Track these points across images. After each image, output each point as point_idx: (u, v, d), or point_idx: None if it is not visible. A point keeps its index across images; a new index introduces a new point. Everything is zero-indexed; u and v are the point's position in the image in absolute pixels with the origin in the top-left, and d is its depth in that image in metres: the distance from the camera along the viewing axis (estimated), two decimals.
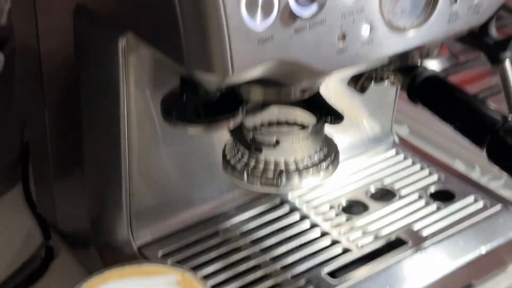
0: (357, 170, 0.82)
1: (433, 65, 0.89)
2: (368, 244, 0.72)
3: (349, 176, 0.81)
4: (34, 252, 0.79)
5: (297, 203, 0.77)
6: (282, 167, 0.63)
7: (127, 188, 0.68)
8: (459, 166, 0.88)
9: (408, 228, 0.74)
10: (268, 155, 0.63)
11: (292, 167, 0.63)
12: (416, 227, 0.74)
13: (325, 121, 0.65)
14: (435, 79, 0.64)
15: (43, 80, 0.72)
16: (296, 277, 0.69)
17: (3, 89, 0.84)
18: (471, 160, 0.90)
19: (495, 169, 0.89)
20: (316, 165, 0.64)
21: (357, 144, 0.84)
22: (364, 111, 0.83)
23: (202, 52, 0.49)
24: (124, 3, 0.54)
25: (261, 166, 0.63)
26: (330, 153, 0.65)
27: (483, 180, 0.83)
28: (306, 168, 0.63)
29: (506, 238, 0.74)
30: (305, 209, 0.76)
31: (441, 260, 0.71)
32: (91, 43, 0.63)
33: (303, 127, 0.66)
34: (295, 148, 0.63)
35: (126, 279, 0.57)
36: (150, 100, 0.65)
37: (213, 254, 0.70)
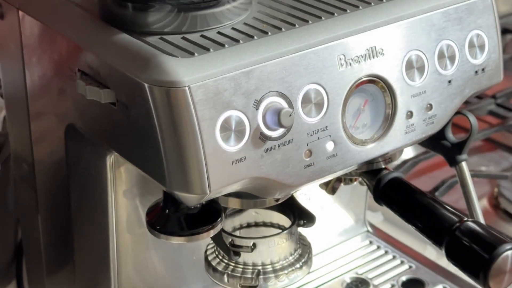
0: (333, 261, 0.87)
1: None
2: None
3: (325, 267, 0.86)
4: None
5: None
6: (260, 268, 0.68)
7: (115, 270, 0.72)
8: (430, 253, 0.93)
9: None
10: (247, 257, 0.68)
11: (269, 268, 0.68)
12: None
13: (298, 225, 0.70)
14: (397, 182, 0.70)
15: (36, 185, 0.77)
16: None
17: None
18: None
19: None
20: (291, 265, 0.69)
21: (332, 235, 0.89)
22: (338, 203, 0.88)
23: (182, 175, 0.55)
24: (110, 129, 0.60)
25: (240, 268, 0.68)
26: (304, 253, 0.70)
27: (453, 268, 0.89)
28: (282, 269, 0.68)
29: None
30: None
31: None
32: (80, 158, 0.68)
33: (279, 228, 0.72)
34: (271, 251, 0.68)
35: None
36: (140, 206, 0.71)
37: None
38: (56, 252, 0.80)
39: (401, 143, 0.66)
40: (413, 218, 0.68)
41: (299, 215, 0.71)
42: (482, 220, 0.72)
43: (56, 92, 0.67)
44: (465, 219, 0.65)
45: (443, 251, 0.65)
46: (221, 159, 0.56)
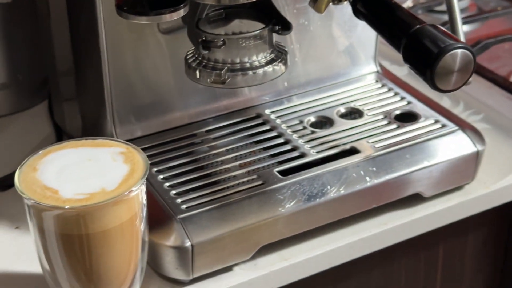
0: (334, 94, 0.88)
1: None
2: (324, 151, 0.79)
3: (325, 98, 0.88)
4: None
5: (271, 117, 0.85)
6: (229, 65, 0.71)
7: (108, 89, 0.78)
8: (445, 102, 0.93)
9: (364, 141, 0.81)
10: (218, 55, 0.71)
11: (238, 66, 0.71)
12: (371, 140, 0.81)
13: (273, 30, 0.73)
14: None
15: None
16: (250, 172, 0.77)
17: (31, 11, 0.95)
18: (457, 96, 0.95)
19: (479, 104, 0.94)
20: (262, 66, 0.72)
21: (339, 71, 0.90)
22: (347, 40, 0.89)
23: None
24: None
25: (211, 64, 0.72)
26: (278, 57, 0.73)
27: (456, 110, 0.89)
28: (252, 68, 0.71)
29: (456, 155, 0.80)
30: (276, 122, 0.84)
31: (385, 168, 0.77)
32: None
33: None
34: (242, 50, 0.71)
35: (79, 148, 0.67)
36: None
37: (183, 151, 0.80)
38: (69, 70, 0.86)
39: None
40: (380, 25, 0.69)
41: (275, 22, 0.73)
42: (462, 38, 0.72)
43: None
44: (427, 24, 0.65)
45: (401, 54, 0.66)
46: None
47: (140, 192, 0.64)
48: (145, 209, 0.65)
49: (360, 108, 0.86)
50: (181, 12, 0.66)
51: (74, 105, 0.86)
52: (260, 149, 0.80)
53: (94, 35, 0.75)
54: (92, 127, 0.82)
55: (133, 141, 0.81)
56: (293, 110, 0.86)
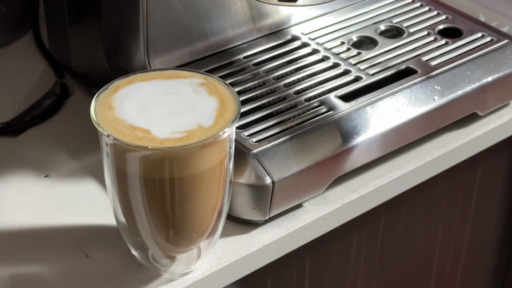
0: (366, 11, 0.83)
1: None
2: (379, 73, 0.74)
3: (359, 16, 0.82)
4: (49, 90, 0.80)
5: (308, 40, 0.78)
6: None
7: (144, 12, 0.69)
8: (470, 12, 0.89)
9: (417, 59, 0.76)
10: None
11: None
12: (425, 58, 0.76)
13: None
14: None
15: None
16: (310, 100, 0.71)
17: None
18: (476, 11, 0.92)
19: (500, 17, 0.91)
20: None
21: None
22: None
23: None
24: None
25: None
26: None
27: (491, 20, 0.85)
28: None
29: None
30: (315, 45, 0.78)
31: (449, 87, 0.73)
32: None
33: None
34: None
35: (151, 81, 0.59)
36: None
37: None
38: None
39: None
40: None
41: None
42: None
43: None
44: None
45: None
46: None
47: (233, 128, 0.57)
48: (233, 145, 0.58)
49: (399, 25, 0.81)
50: None
51: (85, 34, 0.76)
52: (309, 74, 0.74)
53: None
54: (118, 59, 0.73)
55: None
56: (330, 30, 0.80)
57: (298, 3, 0.64)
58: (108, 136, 0.53)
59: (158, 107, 0.56)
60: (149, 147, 0.52)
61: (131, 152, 0.53)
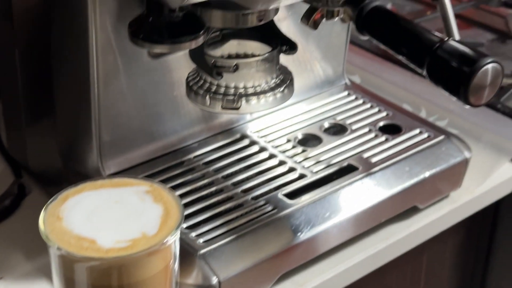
0: (311, 109, 0.87)
1: None
2: (322, 170, 0.78)
3: (304, 114, 0.86)
4: (7, 189, 0.83)
5: (256, 137, 0.82)
6: (242, 91, 0.68)
7: (96, 118, 0.72)
8: (407, 107, 0.94)
9: (358, 156, 0.80)
10: (228, 80, 0.68)
11: (251, 91, 0.68)
12: (366, 155, 0.80)
13: (280, 51, 0.70)
14: (380, 10, 0.70)
15: (13, 19, 0.75)
16: (256, 198, 0.74)
17: None
18: (417, 104, 0.97)
19: (440, 110, 0.96)
20: (273, 89, 0.69)
21: (310, 86, 0.89)
22: (317, 54, 0.88)
23: None
24: None
25: (222, 90, 0.68)
26: (286, 79, 0.71)
27: (429, 115, 0.90)
28: (264, 92, 0.68)
29: (449, 164, 0.81)
30: (263, 142, 0.82)
31: (388, 183, 0.77)
32: None
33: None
34: (253, 74, 0.68)
35: (99, 189, 0.62)
36: (122, 29, 0.69)
37: (178, 181, 0.75)
38: (35, 95, 0.79)
39: None
40: (395, 43, 0.68)
41: (281, 42, 0.71)
42: (457, 37, 0.73)
43: None
44: (446, 39, 0.65)
45: (425, 73, 0.66)
46: None
47: (177, 234, 0.60)
48: (178, 249, 0.61)
49: (342, 122, 0.85)
50: (201, 40, 0.62)
51: (42, 137, 0.79)
52: (256, 172, 0.78)
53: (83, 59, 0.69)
54: (73, 162, 0.76)
55: (120, 173, 0.76)
56: (277, 128, 0.84)
57: (240, 111, 0.68)
58: (55, 247, 0.56)
59: (105, 216, 0.59)
60: (94, 257, 0.55)
61: (78, 262, 0.56)
